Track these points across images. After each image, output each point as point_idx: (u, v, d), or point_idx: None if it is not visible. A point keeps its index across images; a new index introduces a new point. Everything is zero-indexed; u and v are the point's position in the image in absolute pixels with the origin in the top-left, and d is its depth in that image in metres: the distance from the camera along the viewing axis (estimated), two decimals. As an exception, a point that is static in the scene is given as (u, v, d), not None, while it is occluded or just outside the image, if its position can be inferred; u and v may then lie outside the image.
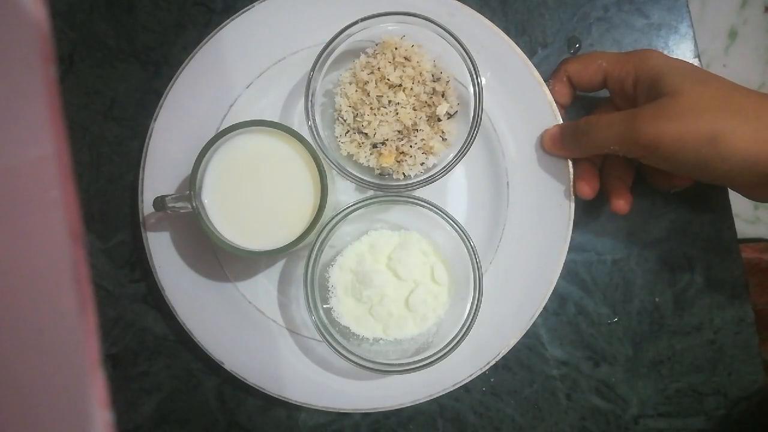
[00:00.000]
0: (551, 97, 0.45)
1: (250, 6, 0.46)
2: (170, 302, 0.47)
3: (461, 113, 0.45)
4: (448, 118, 0.44)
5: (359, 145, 0.44)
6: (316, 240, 0.43)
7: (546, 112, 0.46)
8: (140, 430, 0.49)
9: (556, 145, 0.45)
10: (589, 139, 0.41)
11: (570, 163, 0.45)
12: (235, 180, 0.43)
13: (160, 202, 0.42)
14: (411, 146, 0.43)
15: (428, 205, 0.43)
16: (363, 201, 0.43)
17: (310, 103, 0.43)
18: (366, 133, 0.44)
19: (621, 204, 0.44)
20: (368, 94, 0.43)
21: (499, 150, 0.47)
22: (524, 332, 0.45)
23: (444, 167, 0.43)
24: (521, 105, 0.46)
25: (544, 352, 0.48)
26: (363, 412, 0.47)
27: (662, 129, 0.36)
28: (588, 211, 0.48)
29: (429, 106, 0.44)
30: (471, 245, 0.43)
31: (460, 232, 0.43)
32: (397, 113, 0.43)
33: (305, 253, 0.44)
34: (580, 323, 0.49)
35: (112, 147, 0.49)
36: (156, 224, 0.47)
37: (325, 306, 0.45)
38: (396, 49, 0.43)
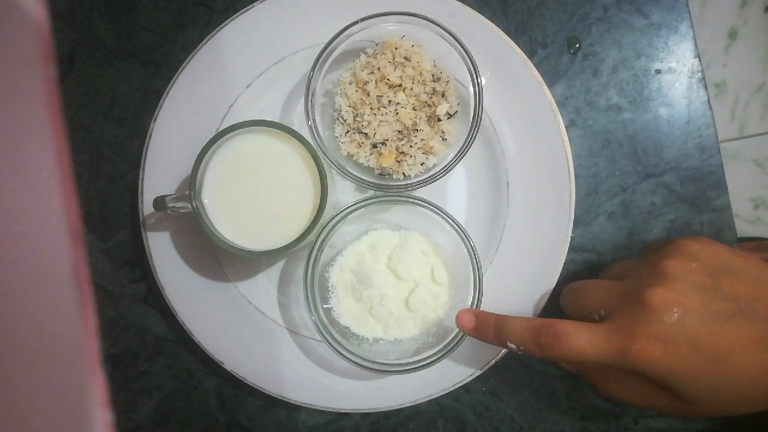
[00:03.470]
0: (551, 97, 0.46)
1: (250, 6, 0.46)
2: (170, 302, 0.47)
3: (461, 113, 0.45)
4: (448, 118, 0.44)
5: (359, 145, 0.44)
6: (316, 240, 0.43)
7: (546, 112, 0.46)
8: (140, 430, 0.49)
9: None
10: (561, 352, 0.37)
11: (570, 162, 0.45)
12: (235, 180, 0.43)
13: (160, 202, 0.42)
14: (411, 146, 0.43)
15: (428, 205, 0.43)
16: (363, 201, 0.43)
17: (310, 103, 0.43)
18: (366, 133, 0.43)
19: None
20: (368, 94, 0.43)
21: (499, 150, 0.47)
22: (524, 332, 0.45)
23: (444, 167, 0.43)
24: (521, 105, 0.46)
25: (544, 352, 0.48)
26: (363, 412, 0.47)
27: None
28: (588, 211, 0.48)
29: (429, 106, 0.44)
30: (471, 245, 0.43)
31: (460, 232, 0.43)
32: (397, 113, 0.43)
33: (305, 253, 0.44)
34: (580, 323, 0.49)
35: (112, 147, 0.49)
36: (156, 224, 0.47)
37: (325, 306, 0.45)
38: (396, 49, 0.43)
